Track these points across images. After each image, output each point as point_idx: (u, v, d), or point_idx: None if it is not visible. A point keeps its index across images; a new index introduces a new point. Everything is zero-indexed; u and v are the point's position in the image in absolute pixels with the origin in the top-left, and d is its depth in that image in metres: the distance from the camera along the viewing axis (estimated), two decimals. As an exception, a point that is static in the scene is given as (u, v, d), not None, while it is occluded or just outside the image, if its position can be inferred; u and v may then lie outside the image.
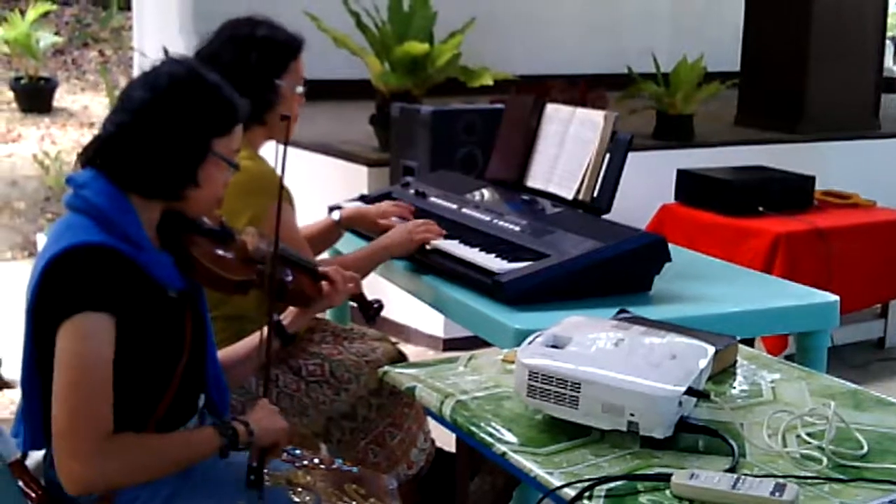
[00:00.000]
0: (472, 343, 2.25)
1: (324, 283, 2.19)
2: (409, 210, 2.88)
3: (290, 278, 2.10)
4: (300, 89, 2.55)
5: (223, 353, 2.06)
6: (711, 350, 1.77)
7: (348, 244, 2.93)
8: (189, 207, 1.89)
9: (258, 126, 2.50)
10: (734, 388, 1.90)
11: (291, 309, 2.19)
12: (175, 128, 1.81)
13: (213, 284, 1.93)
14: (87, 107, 9.38)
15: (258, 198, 2.34)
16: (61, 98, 9.46)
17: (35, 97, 9.10)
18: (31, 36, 9.01)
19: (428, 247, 2.68)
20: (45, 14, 9.62)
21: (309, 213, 2.86)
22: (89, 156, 1.84)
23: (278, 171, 1.99)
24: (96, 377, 1.70)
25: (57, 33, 10.01)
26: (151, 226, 1.86)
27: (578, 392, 1.62)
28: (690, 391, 1.63)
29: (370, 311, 2.32)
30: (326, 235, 2.85)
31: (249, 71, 2.43)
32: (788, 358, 2.84)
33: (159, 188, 1.83)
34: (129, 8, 9.30)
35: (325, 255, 2.84)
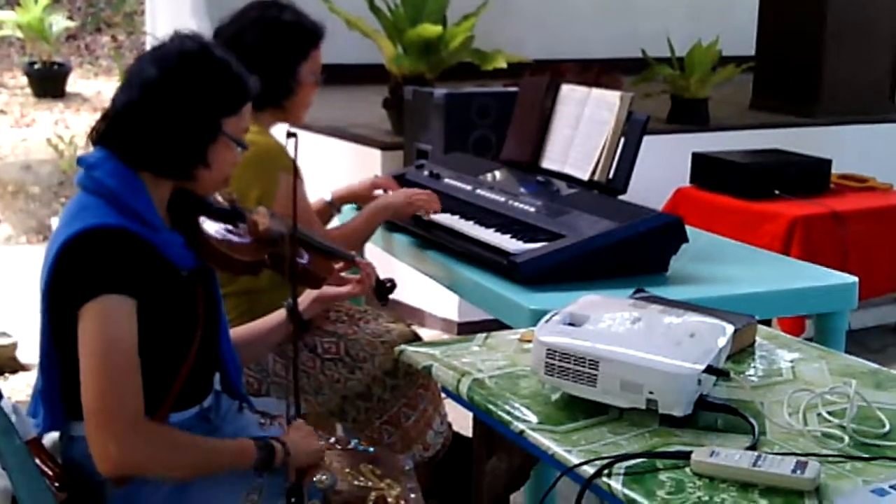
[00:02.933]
0: (487, 327, 2.24)
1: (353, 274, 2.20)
2: (395, 185, 2.92)
3: (304, 260, 2.10)
4: (317, 78, 2.57)
5: (235, 332, 2.06)
6: (730, 329, 1.76)
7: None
8: (198, 187, 1.88)
9: (275, 109, 2.50)
10: (753, 367, 1.89)
11: (308, 293, 2.19)
12: (185, 105, 1.79)
13: (223, 265, 1.93)
14: (100, 91, 9.39)
15: (267, 171, 2.35)
16: (75, 83, 9.46)
17: (48, 82, 9.10)
18: (44, 20, 9.01)
19: (426, 217, 2.72)
20: (58, -1, 9.63)
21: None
22: (99, 134, 1.84)
23: (290, 153, 1.99)
24: (124, 358, 1.70)
25: (70, 18, 10.01)
26: (162, 205, 1.86)
27: (597, 370, 1.61)
28: (710, 369, 1.62)
29: (383, 289, 2.32)
30: (321, 215, 2.87)
31: (274, 55, 2.44)
32: (807, 340, 2.83)
33: (169, 167, 1.83)
34: (141, -7, 9.30)
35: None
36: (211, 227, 1.91)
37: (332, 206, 2.92)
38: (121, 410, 1.69)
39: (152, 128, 1.79)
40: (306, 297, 2.21)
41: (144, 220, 1.77)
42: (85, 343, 1.71)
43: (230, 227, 1.96)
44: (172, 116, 1.79)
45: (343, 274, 2.31)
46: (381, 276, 2.32)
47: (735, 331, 1.80)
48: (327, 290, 2.22)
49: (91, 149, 1.86)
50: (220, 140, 1.84)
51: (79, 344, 1.71)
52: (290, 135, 1.95)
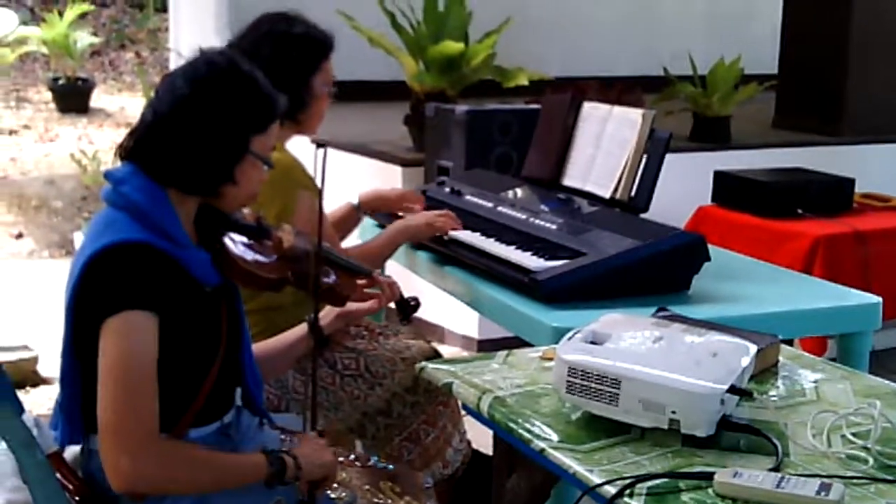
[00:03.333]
0: (508, 345, 2.24)
1: (370, 289, 2.21)
2: (422, 203, 2.93)
3: (330, 279, 2.10)
4: (330, 89, 2.58)
5: (256, 348, 2.06)
6: (754, 348, 1.76)
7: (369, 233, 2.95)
8: (224, 204, 1.89)
9: (290, 123, 2.51)
10: (777, 387, 1.88)
11: (329, 309, 2.20)
12: (214, 123, 1.80)
13: (247, 282, 1.93)
14: (123, 107, 9.47)
15: (285, 189, 2.36)
16: (98, 98, 9.55)
17: (72, 97, 9.20)
18: (69, 37, 9.11)
19: (445, 237, 2.73)
20: (83, 15, 9.73)
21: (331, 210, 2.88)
22: (127, 149, 1.84)
23: (310, 169, 2.00)
24: (142, 374, 1.70)
25: (94, 34, 10.12)
26: (189, 221, 1.86)
27: (618, 389, 1.61)
28: (733, 389, 1.61)
29: (407, 308, 2.32)
30: (346, 220, 2.88)
31: (287, 68, 2.44)
32: (830, 360, 2.80)
33: (196, 184, 1.83)
34: (165, 9, 9.38)
35: (345, 244, 2.85)
36: (236, 243, 1.92)
37: (359, 211, 2.92)
38: (135, 427, 1.69)
39: (180, 144, 1.80)
40: (328, 312, 2.22)
41: (170, 235, 1.78)
42: (104, 357, 1.71)
43: (255, 243, 1.97)
44: (201, 133, 1.80)
45: (367, 290, 2.31)
46: (405, 295, 2.32)
47: (758, 350, 1.79)
48: (349, 305, 2.23)
49: (118, 164, 1.87)
50: (248, 159, 1.84)
51: (99, 358, 1.72)
52: (319, 145, 1.96)
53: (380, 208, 2.96)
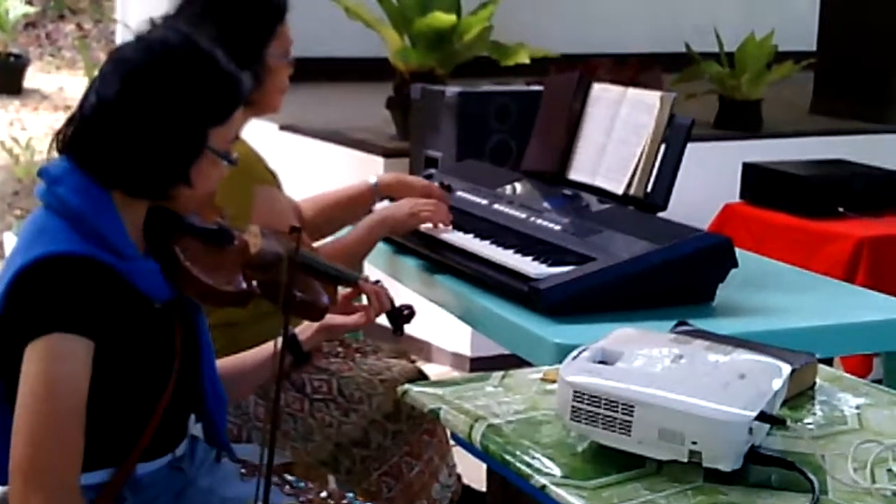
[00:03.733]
0: (505, 363, 2.24)
1: (356, 301, 2.20)
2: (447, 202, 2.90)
3: (306, 292, 2.08)
4: (289, 57, 2.55)
5: (223, 364, 2.06)
6: (787, 369, 1.76)
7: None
8: (178, 206, 1.87)
9: (243, 107, 2.48)
10: (813, 413, 1.88)
11: (308, 322, 2.19)
12: (166, 114, 1.78)
13: (205, 298, 1.91)
14: (62, 88, 9.45)
15: (240, 185, 2.32)
16: (33, 77, 9.53)
17: (3, 76, 9.17)
18: (0, 5, 9.08)
19: (431, 232, 2.71)
20: (16, -19, 9.69)
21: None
22: (66, 140, 1.83)
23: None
24: (65, 405, 1.69)
25: (29, 3, 10.08)
26: (136, 226, 1.85)
27: (631, 415, 1.61)
28: (763, 416, 1.61)
29: (399, 318, 2.31)
30: (359, 201, 2.87)
31: (235, 40, 2.41)
32: (874, 382, 2.81)
33: (145, 186, 1.81)
34: (111, -25, 9.37)
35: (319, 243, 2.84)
36: (191, 251, 1.89)
37: (374, 194, 2.89)
38: (52, 466, 1.68)
39: (126, 139, 1.77)
40: (308, 326, 2.21)
41: (112, 246, 1.77)
42: (24, 383, 1.70)
43: (215, 250, 1.94)
44: (151, 127, 1.77)
45: (354, 301, 2.31)
46: (397, 303, 2.31)
47: (792, 371, 1.79)
48: (333, 318, 2.22)
49: (54, 156, 1.84)
50: (205, 155, 1.82)
51: (21, 382, 1.71)
52: (293, 229, 1.92)
53: (400, 194, 2.89)
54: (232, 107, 1.85)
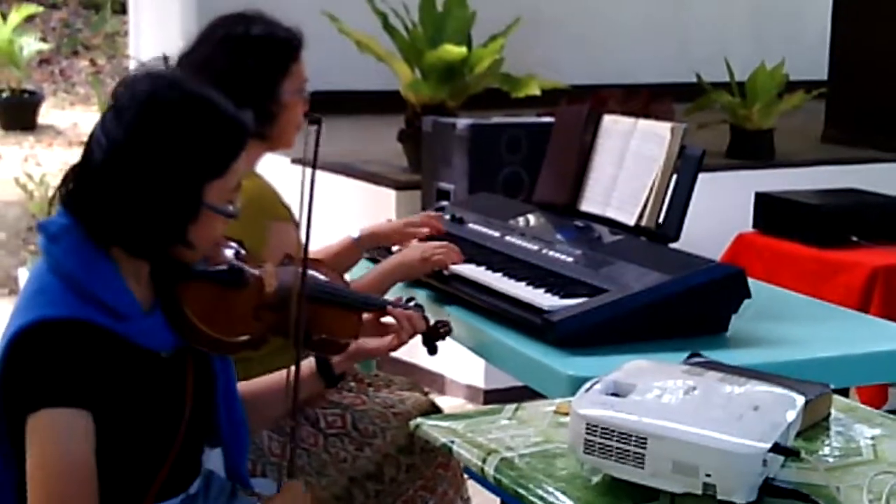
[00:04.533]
0: (518, 395, 2.24)
1: (384, 322, 2.20)
2: (438, 225, 2.93)
3: (324, 330, 2.05)
4: (304, 93, 2.56)
5: (247, 387, 2.04)
6: (801, 400, 1.75)
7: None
8: (181, 258, 1.82)
9: (257, 141, 2.48)
10: (828, 445, 1.88)
11: None
12: (157, 174, 1.71)
13: (216, 349, 1.87)
14: (76, 123, 9.50)
15: (253, 222, 2.31)
16: (47, 113, 9.59)
17: (18, 112, 9.22)
18: (14, 42, 9.15)
19: (446, 272, 2.72)
20: (30, 18, 9.78)
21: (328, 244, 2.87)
22: (67, 195, 1.78)
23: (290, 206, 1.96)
24: (73, 481, 1.68)
25: (43, 39, 10.17)
26: (140, 279, 1.81)
27: (644, 448, 1.60)
28: (777, 448, 1.61)
29: (434, 335, 2.30)
30: (344, 255, 2.86)
31: (248, 78, 2.42)
32: (890, 413, 2.80)
33: (142, 248, 1.77)
34: (124, 11, 9.44)
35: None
36: (199, 302, 1.83)
37: (360, 246, 2.89)
38: None
39: (118, 202, 1.72)
40: None
41: (110, 308, 1.72)
42: (30, 459, 1.69)
43: (227, 293, 1.89)
44: (141, 188, 1.70)
45: (384, 320, 2.29)
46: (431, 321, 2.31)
47: (806, 402, 1.79)
48: (365, 342, 2.20)
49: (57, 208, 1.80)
50: (203, 213, 1.76)
51: (26, 463, 1.69)
52: (312, 121, 1.92)
53: (385, 241, 2.93)
54: (230, 156, 1.77)
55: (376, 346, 2.25)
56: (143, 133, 1.71)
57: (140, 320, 1.77)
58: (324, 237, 2.91)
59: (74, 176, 1.77)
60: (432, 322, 2.33)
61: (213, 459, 2.00)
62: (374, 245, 2.92)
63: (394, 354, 2.44)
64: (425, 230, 2.92)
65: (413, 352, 2.40)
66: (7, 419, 1.73)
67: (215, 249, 1.91)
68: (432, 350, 2.34)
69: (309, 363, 2.10)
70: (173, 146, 1.71)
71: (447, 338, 2.36)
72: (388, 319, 2.33)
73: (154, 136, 1.71)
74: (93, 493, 1.69)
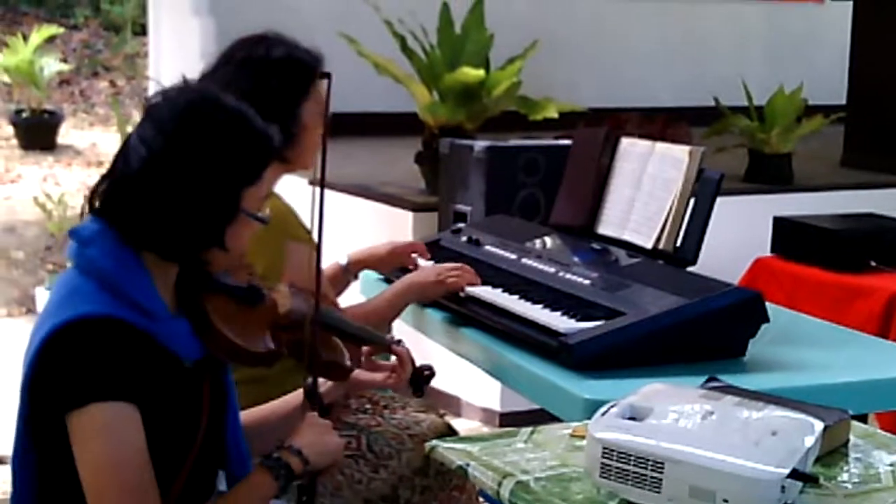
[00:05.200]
0: (534, 418, 2.23)
1: (387, 361, 2.22)
2: (423, 250, 2.95)
3: (332, 353, 2.08)
4: (324, 115, 2.57)
5: (246, 416, 2.05)
6: (820, 426, 1.74)
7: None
8: (210, 267, 1.87)
9: (277, 162, 2.48)
10: (847, 471, 1.86)
11: None
12: (200, 179, 1.77)
13: (233, 357, 1.91)
14: (95, 144, 9.56)
15: (272, 241, 2.33)
16: (67, 134, 9.65)
17: (37, 132, 9.28)
18: (35, 63, 9.22)
19: (462, 294, 2.72)
20: (51, 39, 9.86)
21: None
22: (98, 203, 1.82)
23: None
24: (137, 473, 1.71)
25: (63, 60, 10.24)
26: (167, 286, 1.85)
27: (661, 472, 1.59)
28: (795, 474, 1.60)
29: (420, 378, 2.31)
30: (334, 282, 2.85)
31: (270, 99, 2.43)
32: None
33: (178, 251, 1.81)
34: (144, 33, 9.49)
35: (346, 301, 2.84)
36: (221, 310, 1.88)
37: (348, 272, 2.91)
38: None
39: (160, 206, 1.77)
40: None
41: (143, 307, 1.76)
42: (88, 467, 1.70)
43: (245, 309, 1.93)
44: (185, 193, 1.77)
45: (374, 358, 2.30)
46: (417, 363, 2.31)
47: (825, 428, 1.78)
48: (358, 375, 2.21)
49: (86, 215, 1.83)
50: (239, 218, 1.82)
51: (78, 461, 1.71)
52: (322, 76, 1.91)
53: (373, 266, 2.95)
54: (263, 165, 1.85)
55: (370, 378, 2.25)
56: (185, 140, 1.78)
57: (168, 322, 1.80)
58: (340, 259, 2.92)
59: (107, 183, 1.82)
60: (418, 364, 2.34)
61: (222, 483, 2.01)
62: (361, 269, 2.95)
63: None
64: (414, 256, 2.93)
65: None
66: (35, 421, 1.75)
67: (238, 268, 1.96)
68: (418, 391, 2.33)
69: (296, 395, 2.12)
70: (215, 153, 1.78)
71: (432, 381, 2.35)
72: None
73: (197, 143, 1.78)
74: (153, 480, 1.72)
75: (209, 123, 1.80)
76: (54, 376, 1.72)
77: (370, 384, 2.27)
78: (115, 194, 1.80)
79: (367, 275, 3.03)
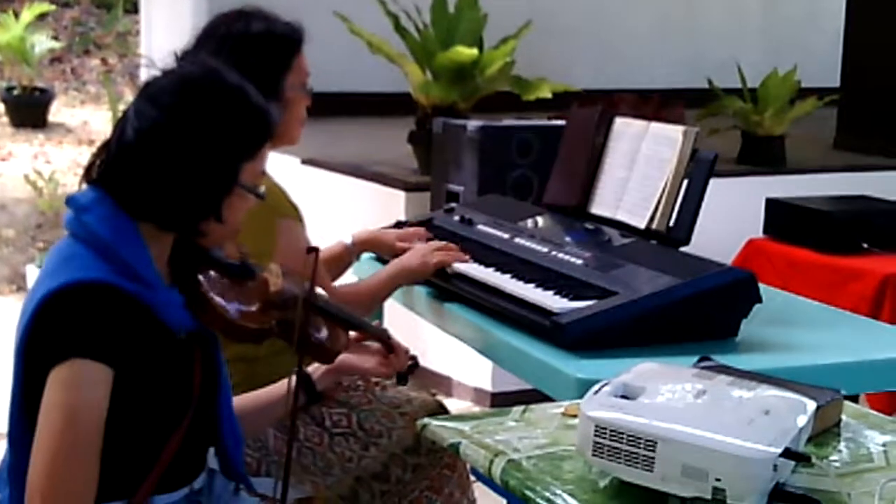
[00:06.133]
0: (526, 398, 2.23)
1: (379, 349, 2.23)
2: (426, 235, 2.95)
3: (320, 334, 2.08)
4: (306, 88, 2.55)
5: (238, 401, 2.05)
6: (812, 405, 1.74)
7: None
8: (205, 241, 1.88)
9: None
10: (839, 451, 1.86)
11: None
12: (200, 152, 1.79)
13: (225, 331, 1.92)
14: (86, 122, 9.52)
15: (262, 220, 2.32)
16: (58, 111, 9.60)
17: (28, 110, 9.24)
18: (26, 41, 9.17)
19: (449, 270, 2.73)
20: (42, 16, 9.80)
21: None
22: (94, 172, 1.83)
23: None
24: (83, 433, 1.70)
25: (55, 38, 10.18)
26: (162, 258, 1.86)
27: (654, 451, 1.59)
28: (787, 453, 1.59)
29: (406, 369, 2.31)
30: (335, 260, 2.87)
31: (252, 74, 2.41)
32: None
33: (176, 221, 1.83)
34: (135, 10, 9.46)
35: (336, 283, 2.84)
36: (214, 285, 1.90)
37: (351, 253, 2.92)
38: (69, 493, 1.69)
39: (160, 175, 1.79)
40: (320, 366, 2.21)
41: (138, 275, 1.77)
42: (45, 411, 1.71)
43: (237, 286, 1.95)
44: (185, 164, 1.79)
45: (366, 343, 2.30)
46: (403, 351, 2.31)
47: (817, 408, 1.78)
48: (348, 359, 2.22)
49: (82, 187, 1.85)
50: (236, 191, 1.84)
51: (40, 410, 1.71)
52: (309, 250, 1.94)
53: (376, 248, 2.97)
54: (262, 140, 1.87)
55: (359, 363, 2.24)
56: (187, 112, 1.79)
57: (163, 292, 1.81)
58: (332, 238, 2.92)
59: (106, 153, 1.83)
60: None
61: (213, 461, 2.01)
62: (365, 250, 2.96)
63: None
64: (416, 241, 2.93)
65: (421, 354, 2.40)
66: (27, 378, 1.76)
67: (228, 246, 1.96)
68: (402, 381, 2.33)
69: (282, 384, 2.12)
70: (215, 126, 1.80)
71: (415, 371, 2.35)
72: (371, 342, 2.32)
73: (197, 115, 1.80)
74: (98, 444, 1.72)
75: (210, 96, 1.82)
76: (46, 336, 1.73)
77: (359, 370, 2.27)
78: (114, 163, 1.81)
79: (365, 256, 3.03)
